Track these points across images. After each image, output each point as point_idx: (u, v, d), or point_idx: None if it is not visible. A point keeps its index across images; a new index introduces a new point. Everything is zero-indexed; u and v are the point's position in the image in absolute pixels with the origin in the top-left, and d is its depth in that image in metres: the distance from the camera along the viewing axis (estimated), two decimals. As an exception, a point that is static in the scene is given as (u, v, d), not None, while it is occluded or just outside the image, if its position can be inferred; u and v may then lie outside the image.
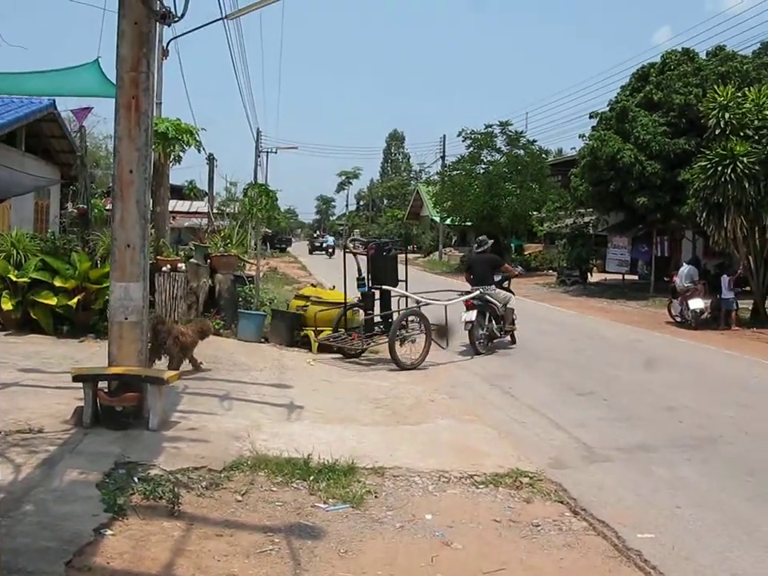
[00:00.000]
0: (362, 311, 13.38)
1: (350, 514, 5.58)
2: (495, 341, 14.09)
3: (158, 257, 13.61)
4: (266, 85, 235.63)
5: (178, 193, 40.75)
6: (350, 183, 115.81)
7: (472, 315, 13.31)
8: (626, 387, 11.22)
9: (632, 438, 8.19)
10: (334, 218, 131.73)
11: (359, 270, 13.07)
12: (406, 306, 13.23)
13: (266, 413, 8.29)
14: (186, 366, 10.06)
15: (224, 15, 13.71)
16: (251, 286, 14.73)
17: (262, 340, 13.38)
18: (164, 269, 13.39)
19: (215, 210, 35.47)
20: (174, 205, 44.96)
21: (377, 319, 13.10)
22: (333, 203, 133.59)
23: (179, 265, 13.58)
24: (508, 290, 14.89)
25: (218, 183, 65.47)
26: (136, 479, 5.72)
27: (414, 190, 75.46)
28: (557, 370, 12.48)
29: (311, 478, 6.17)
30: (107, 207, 32.37)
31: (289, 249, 76.08)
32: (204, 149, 14.37)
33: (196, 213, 38.86)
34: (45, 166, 25.92)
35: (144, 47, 7.23)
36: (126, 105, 7.23)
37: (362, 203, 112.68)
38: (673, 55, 28.56)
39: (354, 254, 13.27)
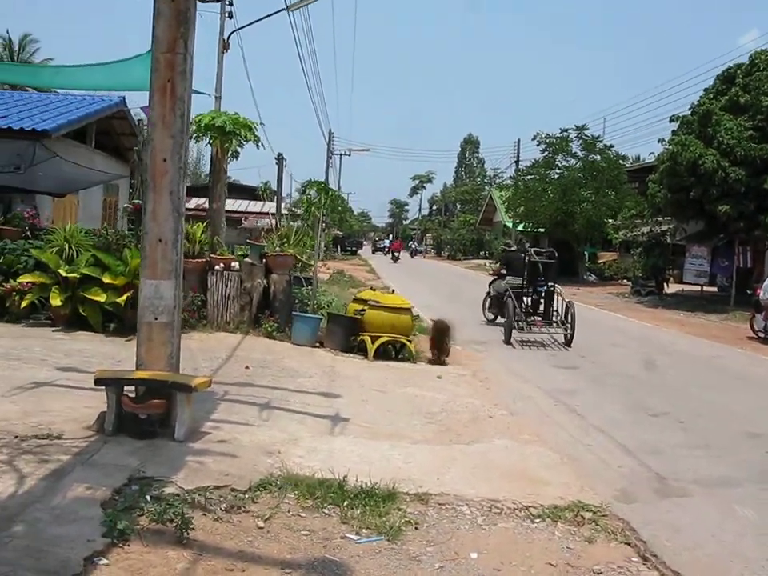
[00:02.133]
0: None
1: (384, 548, 4.90)
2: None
3: (212, 255, 13.14)
4: (339, 85, 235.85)
5: (251, 193, 40.86)
6: (424, 187, 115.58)
7: None
8: (704, 408, 10.28)
9: (712, 469, 7.31)
10: (407, 222, 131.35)
11: (539, 273, 16.65)
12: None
13: (306, 425, 7.64)
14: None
15: (286, 5, 13.11)
16: (309, 287, 14.16)
17: (317, 344, 12.75)
18: (217, 267, 12.91)
19: (286, 211, 35.36)
20: (247, 205, 45.26)
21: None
22: (406, 207, 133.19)
23: (233, 264, 13.08)
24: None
25: (291, 185, 65.75)
26: (148, 497, 5.12)
27: (487, 195, 74.45)
28: (628, 386, 11.59)
29: (345, 503, 5.50)
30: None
31: (359, 252, 76.04)
32: (263, 145, 13.82)
33: (268, 213, 38.82)
34: (114, 163, 25.94)
35: (181, 26, 6.67)
36: (160, 88, 6.69)
37: (434, 207, 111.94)
38: (762, 55, 26.97)
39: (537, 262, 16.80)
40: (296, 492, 5.59)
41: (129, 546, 4.48)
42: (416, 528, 5.26)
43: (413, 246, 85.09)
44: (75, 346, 10.72)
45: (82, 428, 6.58)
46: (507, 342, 15.29)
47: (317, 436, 7.27)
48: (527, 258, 16.86)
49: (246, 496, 5.45)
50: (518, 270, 17.18)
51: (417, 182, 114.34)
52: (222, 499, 5.32)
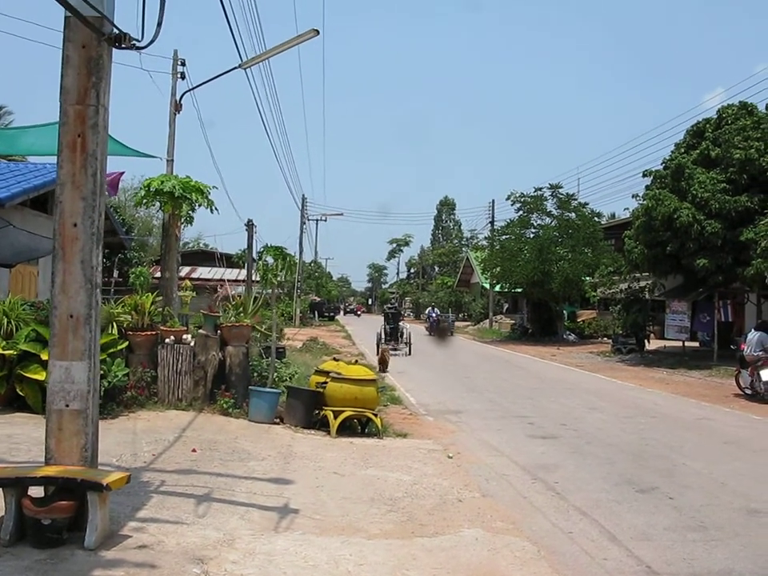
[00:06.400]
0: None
1: None
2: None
3: (162, 327, 12.27)
4: (311, 147, 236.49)
5: (228, 260, 40.35)
6: (401, 251, 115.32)
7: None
8: (695, 480, 9.37)
9: (711, 560, 6.35)
10: (386, 285, 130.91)
11: (390, 318, 31.79)
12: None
13: (248, 519, 6.70)
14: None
15: (240, 63, 12.49)
16: (267, 359, 13.28)
17: (276, 421, 11.84)
18: (167, 340, 12.04)
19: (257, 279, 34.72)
20: (223, 273, 44.71)
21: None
22: (385, 271, 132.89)
23: (184, 336, 12.20)
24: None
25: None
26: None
27: (464, 257, 74.22)
28: (611, 456, 10.70)
29: (277, 626, 4.59)
30: (156, 275, 31.65)
31: (337, 317, 75.56)
32: (217, 209, 12.99)
33: (243, 281, 38.45)
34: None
35: (93, 75, 5.93)
36: (69, 144, 5.92)
37: (412, 270, 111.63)
38: (729, 110, 26.95)
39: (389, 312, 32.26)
40: (220, 613, 4.68)
41: None
42: None
43: (433, 315, 50.24)
44: (5, 431, 9.73)
45: (-23, 537, 5.63)
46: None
47: (258, 534, 6.34)
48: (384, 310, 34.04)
49: (158, 622, 4.54)
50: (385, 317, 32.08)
51: (394, 245, 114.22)
52: (125, 629, 4.41)
